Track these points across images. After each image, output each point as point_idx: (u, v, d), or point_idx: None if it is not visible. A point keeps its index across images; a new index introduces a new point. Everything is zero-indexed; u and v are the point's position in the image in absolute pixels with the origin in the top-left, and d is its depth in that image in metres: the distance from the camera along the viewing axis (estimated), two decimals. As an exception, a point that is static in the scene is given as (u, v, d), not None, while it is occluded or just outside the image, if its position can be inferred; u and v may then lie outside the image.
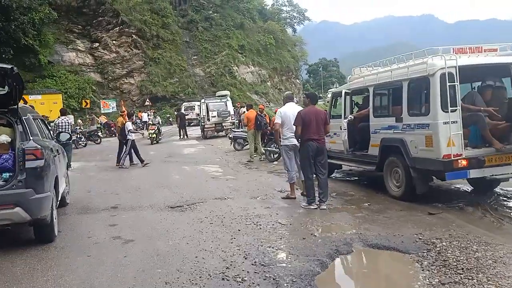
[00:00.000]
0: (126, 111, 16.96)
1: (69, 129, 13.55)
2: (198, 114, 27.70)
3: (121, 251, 4.92)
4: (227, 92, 25.46)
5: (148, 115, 32.23)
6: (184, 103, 36.49)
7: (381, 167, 7.22)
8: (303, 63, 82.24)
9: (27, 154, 4.63)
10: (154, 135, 20.72)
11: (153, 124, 22.38)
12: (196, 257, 4.57)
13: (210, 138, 22.34)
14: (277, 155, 12.69)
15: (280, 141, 7.42)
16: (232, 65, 49.53)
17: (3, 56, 27.39)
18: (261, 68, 54.85)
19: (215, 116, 22.16)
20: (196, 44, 49.16)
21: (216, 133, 22.77)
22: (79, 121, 27.68)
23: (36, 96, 26.70)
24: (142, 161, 12.98)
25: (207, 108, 22.37)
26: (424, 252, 4.47)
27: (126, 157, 13.09)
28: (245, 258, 4.47)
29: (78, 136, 20.82)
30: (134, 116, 15.48)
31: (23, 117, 4.95)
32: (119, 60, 41.11)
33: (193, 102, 35.67)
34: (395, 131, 6.84)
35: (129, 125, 13.44)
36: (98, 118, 29.23)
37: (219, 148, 17.94)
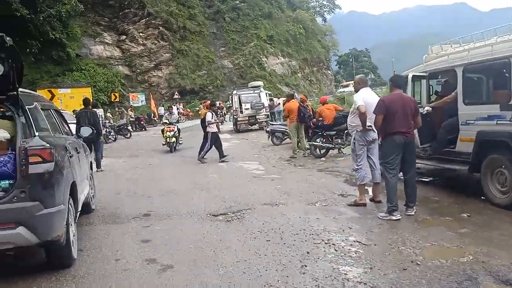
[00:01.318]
0: (209, 101, 15.50)
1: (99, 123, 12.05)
2: (230, 107, 26.40)
3: (157, 284, 3.67)
4: (260, 83, 24.11)
5: (177, 109, 31.28)
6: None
7: (477, 167, 5.71)
8: (333, 54, 79.69)
9: (30, 156, 3.43)
10: (174, 139, 14.44)
11: (171, 124, 15.38)
12: (262, 298, 3.27)
13: (243, 132, 21.08)
14: (324, 150, 11.30)
15: (356, 131, 6.06)
16: (261, 56, 48.03)
17: (31, 50, 27.03)
18: (291, 59, 53.10)
19: (248, 109, 20.84)
20: (224, 36, 47.89)
21: (249, 126, 21.47)
22: (109, 114, 26.95)
23: (65, 89, 26.05)
24: (222, 155, 11.69)
25: (239, 100, 21.08)
26: None
27: (207, 151, 11.83)
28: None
29: (108, 130, 19.97)
30: (216, 106, 13.75)
31: (27, 107, 3.74)
32: (146, 53, 40.34)
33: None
34: (499, 122, 5.32)
35: (209, 116, 11.86)
36: (127, 111, 28.38)
37: (255, 142, 16.65)
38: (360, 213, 5.68)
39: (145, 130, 28.31)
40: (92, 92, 29.02)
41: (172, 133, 14.45)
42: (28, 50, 26.85)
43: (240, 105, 20.95)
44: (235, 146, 15.61)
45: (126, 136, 21.99)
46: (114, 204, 6.88)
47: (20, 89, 3.70)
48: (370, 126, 5.91)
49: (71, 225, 4.08)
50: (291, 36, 53.43)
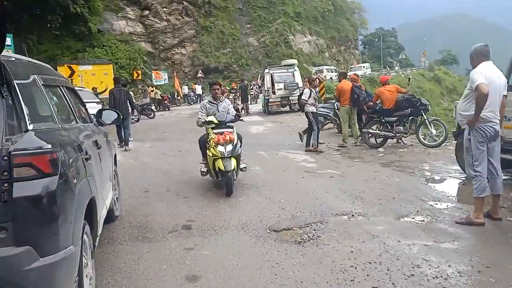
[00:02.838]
0: (310, 77, 12.65)
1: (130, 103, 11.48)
2: (259, 86, 24.73)
3: None
4: (294, 61, 22.26)
5: (202, 87, 29.80)
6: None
7: None
8: (359, 33, 76.49)
9: (17, 166, 1.97)
10: (233, 165, 5.99)
11: (223, 124, 6.38)
12: None
13: (274, 114, 19.46)
14: (381, 139, 9.67)
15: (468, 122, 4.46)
16: (288, 34, 45.76)
17: (52, 24, 25.81)
18: (319, 37, 50.66)
19: (281, 89, 19.17)
20: (250, 12, 45.76)
21: (281, 108, 19.81)
22: (131, 93, 25.68)
23: (86, 66, 24.86)
24: (309, 144, 9.64)
25: (271, 79, 19.41)
26: None
27: (315, 136, 9.70)
28: None
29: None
30: (316, 80, 11.38)
31: (17, 82, 2.26)
32: (170, 29, 38.77)
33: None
34: None
35: (307, 93, 9.72)
36: (151, 90, 26.99)
37: (291, 126, 15.07)
38: (484, 238, 4.10)
39: (169, 110, 27.01)
40: (114, 70, 27.86)
41: (230, 148, 6.02)
42: (48, 25, 25.71)
43: (273, 85, 19.29)
44: (271, 131, 14.08)
45: (150, 116, 20.69)
46: (143, 209, 5.46)
47: (4, 54, 2.20)
48: (491, 114, 4.32)
49: (86, 267, 2.63)
50: (319, 13, 50.88)
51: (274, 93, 19.27)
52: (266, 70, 20.33)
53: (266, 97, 19.66)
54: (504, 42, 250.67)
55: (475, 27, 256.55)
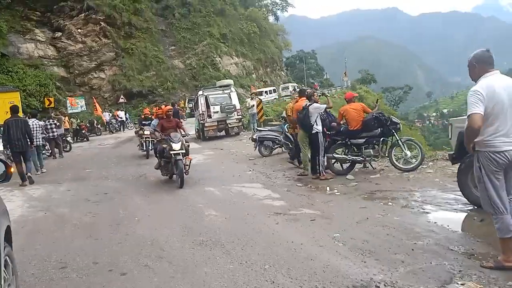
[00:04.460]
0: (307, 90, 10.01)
1: (39, 134, 12.37)
2: (192, 110, 22.86)
3: None
4: (230, 81, 20.85)
5: (125, 113, 27.21)
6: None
7: None
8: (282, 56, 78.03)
9: None
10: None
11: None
12: None
13: (211, 139, 17.75)
14: (348, 163, 8.46)
15: (476, 149, 3.36)
16: (215, 56, 44.63)
17: None
18: (245, 59, 50.20)
19: (217, 112, 17.56)
20: (174, 33, 44.01)
21: (218, 132, 18.17)
22: (31, 122, 22.24)
23: (-12, 94, 21.27)
24: (316, 171, 8.21)
25: (206, 102, 17.75)
26: None
27: (323, 160, 8.26)
28: None
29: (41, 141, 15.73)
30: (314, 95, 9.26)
31: None
32: (86, 52, 35.68)
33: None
34: None
35: (315, 107, 8.17)
36: (65, 118, 23.84)
37: (234, 153, 13.50)
38: None
39: (88, 140, 24.09)
40: (21, 97, 24.32)
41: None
42: None
43: (208, 108, 17.63)
44: (213, 160, 12.34)
45: (65, 150, 17.77)
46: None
47: None
48: (503, 140, 3.25)
49: None
50: (245, 35, 50.64)
51: (210, 116, 17.61)
52: (200, 92, 18.62)
53: (201, 122, 17.91)
54: (406, 60, 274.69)
55: (380, 47, 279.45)
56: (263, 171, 9.70)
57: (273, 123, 16.14)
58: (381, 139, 8.05)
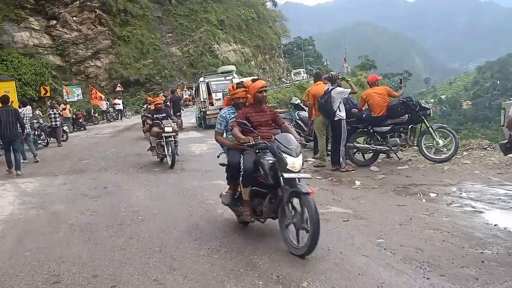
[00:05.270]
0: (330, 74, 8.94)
1: (28, 123, 11.83)
2: (193, 97, 22.01)
3: None
4: (232, 67, 19.87)
5: (123, 102, 26.33)
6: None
7: None
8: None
9: None
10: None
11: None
12: None
13: (212, 128, 16.87)
14: (371, 154, 7.70)
15: None
16: (213, 43, 43.50)
17: None
18: (244, 46, 49.04)
19: (219, 99, 16.71)
20: (170, 20, 42.75)
21: (219, 120, 17.28)
22: (38, 112, 21.35)
23: (-17, 84, 20.33)
24: (338, 162, 7.46)
25: (208, 89, 16.91)
26: None
27: (344, 153, 7.44)
28: None
29: (36, 132, 14.98)
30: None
31: None
32: (82, 40, 34.49)
33: None
34: None
35: (338, 92, 7.34)
36: (63, 108, 22.95)
37: (240, 142, 12.68)
38: None
39: (85, 129, 23.26)
40: (16, 87, 23.42)
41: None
42: None
43: (210, 95, 16.80)
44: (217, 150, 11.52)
45: (62, 139, 16.96)
46: None
47: None
48: None
49: None
50: (243, 21, 49.44)
51: (212, 104, 16.78)
52: (201, 79, 17.75)
53: (203, 109, 17.08)
54: (404, 46, 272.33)
55: (377, 33, 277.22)
56: (275, 162, 8.93)
57: (278, 110, 15.36)
58: (409, 127, 7.28)
